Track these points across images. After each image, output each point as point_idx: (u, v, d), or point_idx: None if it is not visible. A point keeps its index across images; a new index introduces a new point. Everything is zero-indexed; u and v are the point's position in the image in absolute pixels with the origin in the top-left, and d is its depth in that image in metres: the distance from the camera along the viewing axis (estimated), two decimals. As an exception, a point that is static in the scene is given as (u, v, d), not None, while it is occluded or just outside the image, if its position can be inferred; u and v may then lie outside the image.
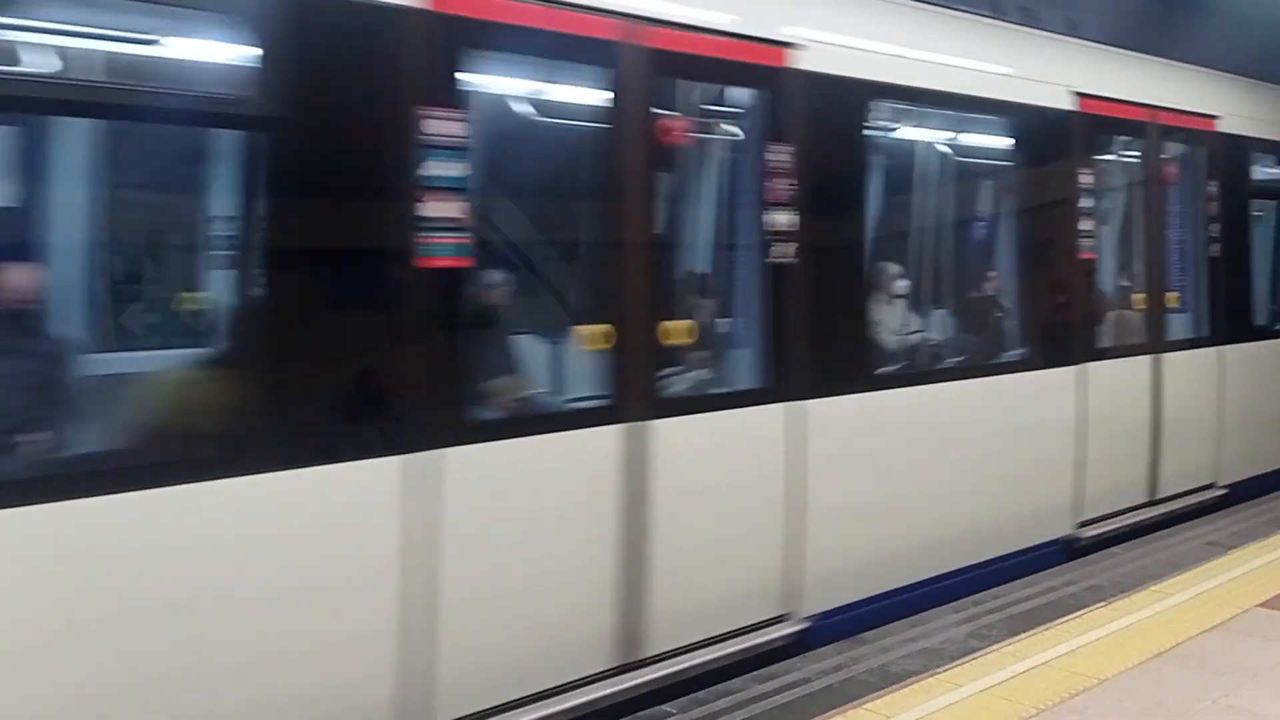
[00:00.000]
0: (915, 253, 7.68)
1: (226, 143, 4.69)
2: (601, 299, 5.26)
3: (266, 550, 4.07)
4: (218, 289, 4.89)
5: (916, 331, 7.24)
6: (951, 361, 7.27)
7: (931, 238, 7.80)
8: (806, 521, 5.84)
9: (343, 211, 4.33)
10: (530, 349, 5.60)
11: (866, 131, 6.42)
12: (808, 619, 5.84)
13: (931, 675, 5.11)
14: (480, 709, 4.63)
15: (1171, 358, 8.60)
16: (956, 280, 7.89)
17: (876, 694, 4.92)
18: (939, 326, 7.66)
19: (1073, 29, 8.33)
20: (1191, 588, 6.33)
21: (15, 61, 3.85)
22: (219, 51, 4.33)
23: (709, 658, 5.39)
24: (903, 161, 7.51)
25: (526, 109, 5.61)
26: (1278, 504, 9.06)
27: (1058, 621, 5.83)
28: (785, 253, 5.79)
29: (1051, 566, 7.21)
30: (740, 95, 5.95)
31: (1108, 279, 8.49)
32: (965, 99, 7.07)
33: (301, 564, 4.16)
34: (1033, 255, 7.58)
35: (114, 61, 4.32)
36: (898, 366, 6.78)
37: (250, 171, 4.25)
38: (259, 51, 4.07)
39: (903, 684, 5.03)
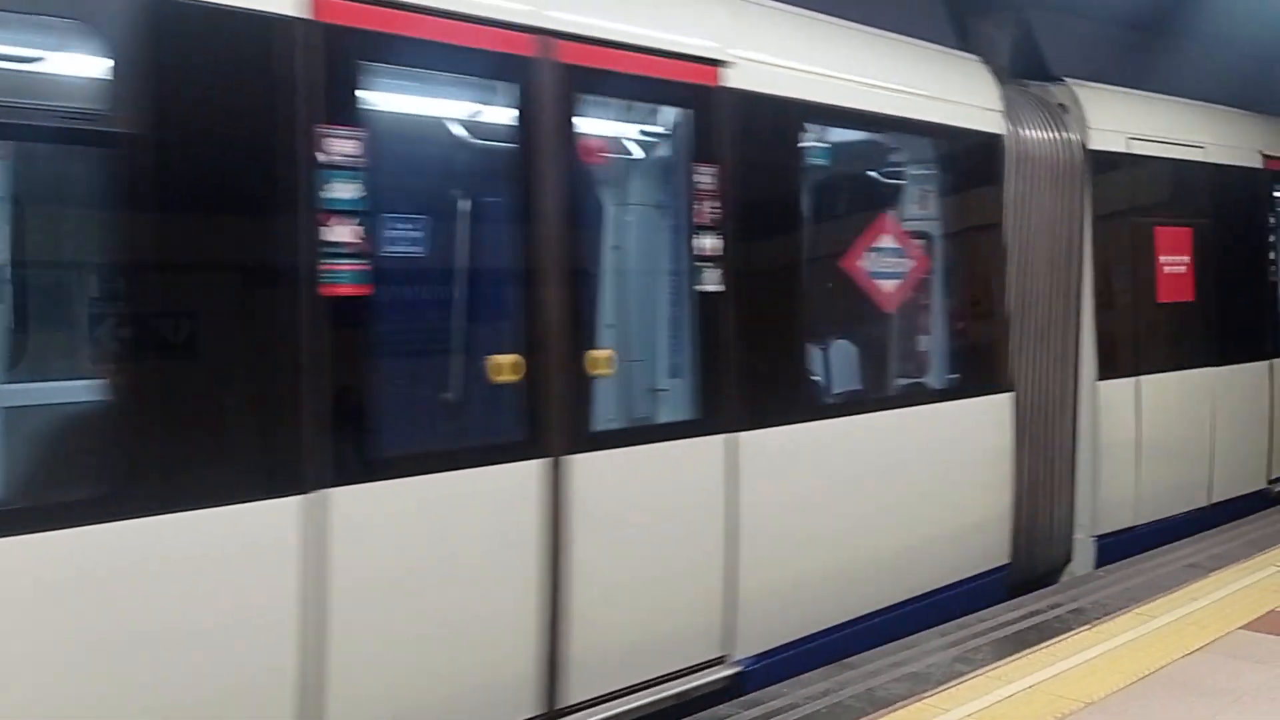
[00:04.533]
0: None
1: None
2: None
3: None
4: None
5: None
6: None
7: None
8: None
9: None
10: None
11: None
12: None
13: (918, 700, 5.12)
14: None
15: None
16: None
17: None
18: None
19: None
20: (1175, 610, 6.38)
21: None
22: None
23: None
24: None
25: None
26: (1256, 527, 9.12)
27: (1043, 645, 5.85)
28: None
29: None
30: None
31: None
32: None
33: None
34: None
35: None
36: None
37: None
38: None
39: (889, 709, 5.04)
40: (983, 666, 5.59)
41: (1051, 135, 7.91)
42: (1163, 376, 8.81)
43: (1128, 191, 8.58)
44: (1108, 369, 8.22)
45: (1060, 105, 8.23)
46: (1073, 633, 6.04)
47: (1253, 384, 10.04)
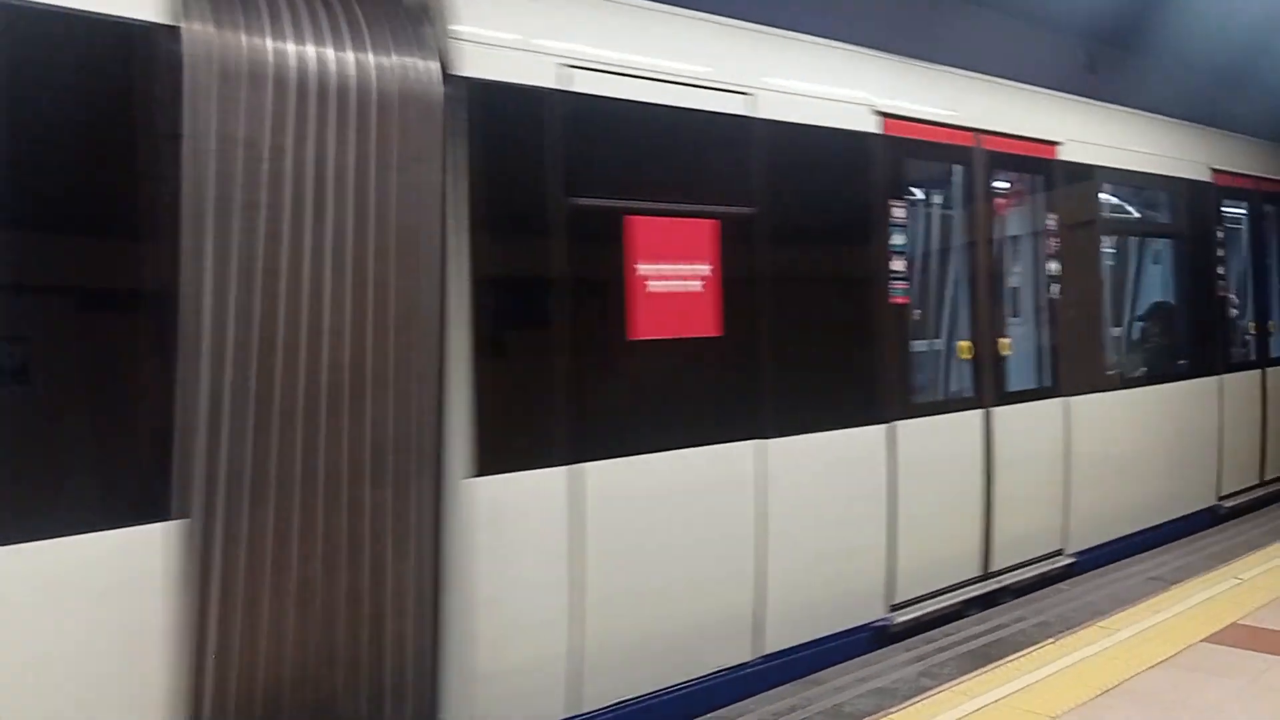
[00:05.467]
0: None
1: None
2: None
3: None
4: None
5: None
6: None
7: None
8: None
9: None
10: None
11: None
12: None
13: (884, 715, 5.11)
14: None
15: None
16: None
17: (830, 735, 4.91)
18: None
19: None
20: (1137, 623, 6.41)
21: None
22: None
23: None
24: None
25: None
26: (1216, 540, 9.20)
27: (1008, 659, 5.87)
28: None
29: None
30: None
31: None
32: None
33: None
34: None
35: None
36: None
37: None
38: None
39: (856, 724, 5.03)
40: (948, 681, 5.59)
41: (355, 49, 4.62)
42: (640, 461, 5.46)
43: (562, 154, 5.27)
44: (502, 455, 4.96)
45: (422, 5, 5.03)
46: (1037, 646, 6.06)
47: (852, 464, 6.49)
